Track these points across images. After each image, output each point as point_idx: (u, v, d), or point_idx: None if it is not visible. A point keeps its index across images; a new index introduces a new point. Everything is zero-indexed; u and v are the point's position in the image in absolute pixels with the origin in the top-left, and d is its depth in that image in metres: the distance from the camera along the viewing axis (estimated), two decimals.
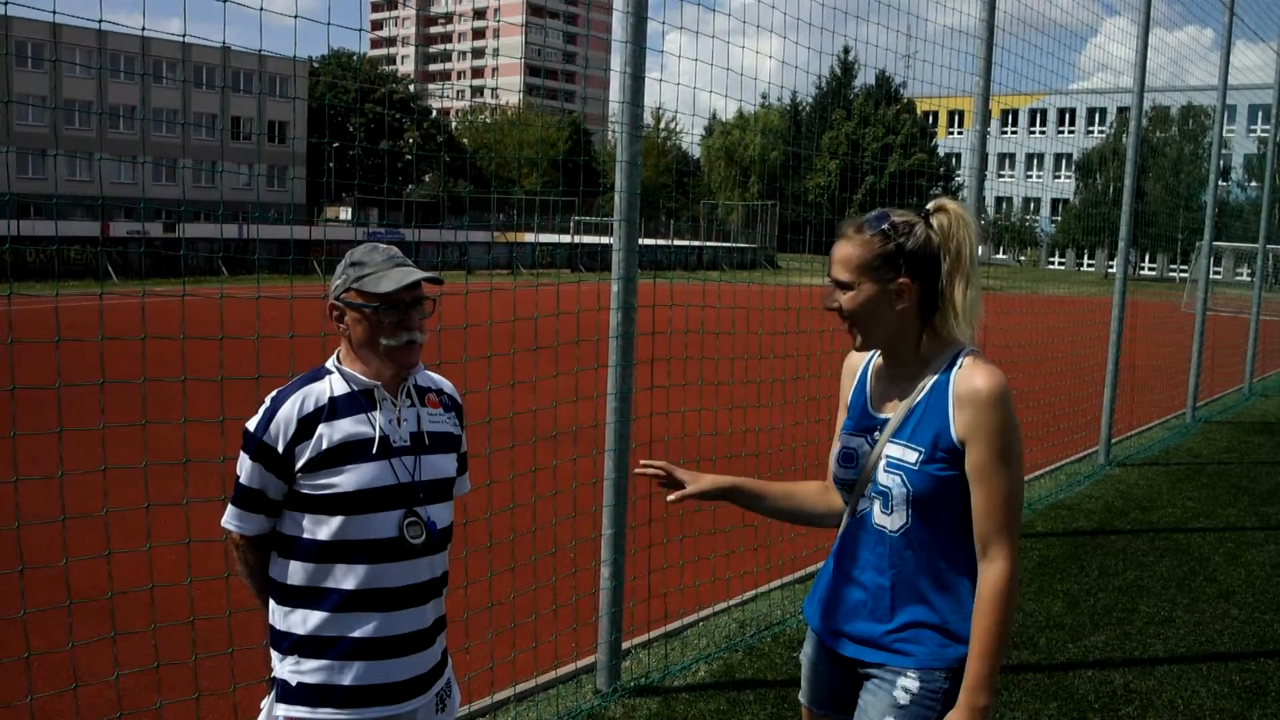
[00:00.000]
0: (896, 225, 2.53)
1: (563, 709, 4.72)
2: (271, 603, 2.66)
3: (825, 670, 2.76)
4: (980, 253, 2.61)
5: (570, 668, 5.09)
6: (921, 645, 2.53)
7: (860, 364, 2.79)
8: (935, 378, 2.54)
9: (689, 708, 4.79)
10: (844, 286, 2.55)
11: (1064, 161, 74.04)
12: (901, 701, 2.52)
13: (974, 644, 2.45)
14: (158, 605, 4.03)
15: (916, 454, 2.50)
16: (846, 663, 2.67)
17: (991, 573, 2.45)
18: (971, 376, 2.47)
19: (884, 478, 2.55)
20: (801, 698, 2.86)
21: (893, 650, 2.56)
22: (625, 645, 5.15)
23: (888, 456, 2.55)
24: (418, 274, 2.61)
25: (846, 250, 2.55)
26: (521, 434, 5.35)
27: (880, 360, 2.72)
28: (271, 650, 2.67)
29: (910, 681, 2.53)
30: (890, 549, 2.56)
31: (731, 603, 6.05)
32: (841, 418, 2.80)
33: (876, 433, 2.61)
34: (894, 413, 2.59)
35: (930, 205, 2.59)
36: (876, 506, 2.58)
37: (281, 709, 2.60)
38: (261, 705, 2.69)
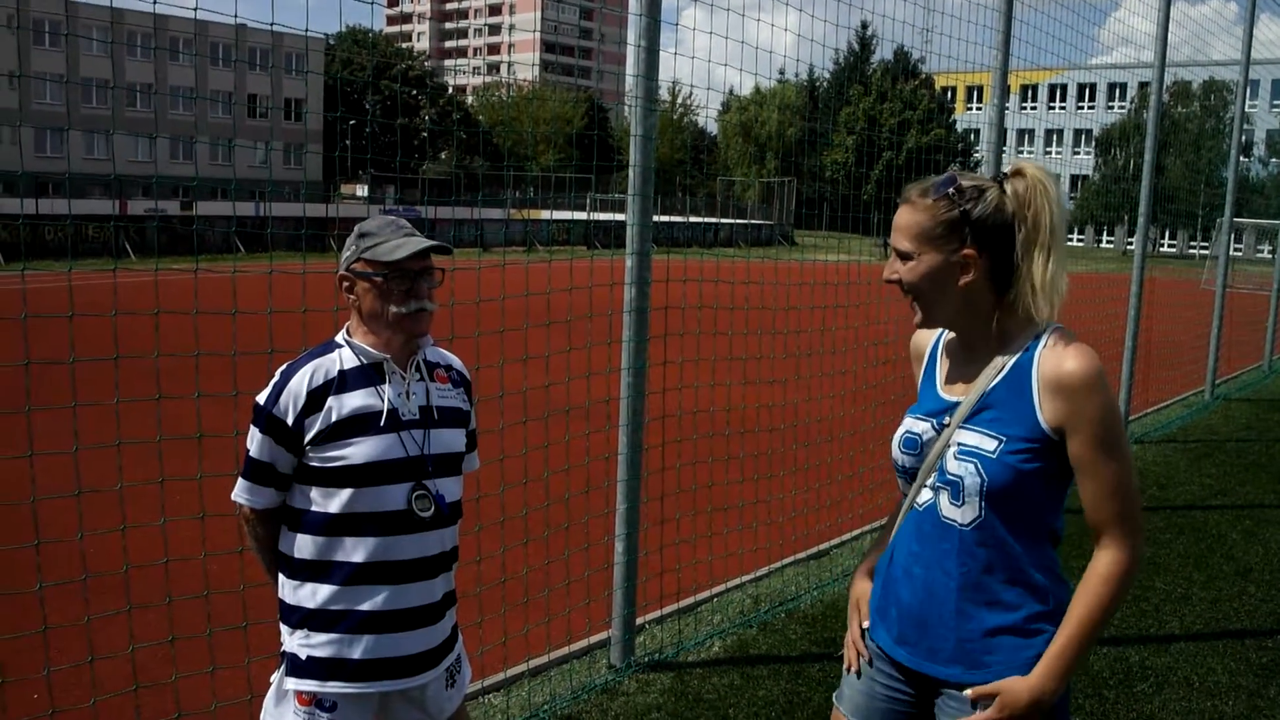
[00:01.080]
0: (964, 190, 2.29)
1: (576, 684, 4.73)
2: (281, 577, 2.67)
3: (884, 685, 2.49)
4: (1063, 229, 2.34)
5: (584, 643, 5.09)
6: (994, 654, 2.29)
7: (929, 342, 2.56)
8: (1015, 358, 2.29)
9: (703, 683, 4.79)
10: (904, 256, 2.33)
11: (1083, 137, 73.49)
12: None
13: (1064, 626, 2.23)
14: (172, 579, 4.05)
15: (996, 443, 2.25)
16: (915, 678, 2.42)
17: (1103, 559, 2.23)
18: (1061, 359, 2.22)
19: (954, 466, 2.30)
20: (844, 707, 2.58)
21: (961, 663, 2.32)
22: (639, 620, 5.15)
23: (959, 444, 2.30)
24: (426, 242, 2.61)
25: (907, 217, 2.32)
26: (535, 409, 5.35)
27: (950, 337, 2.48)
28: (281, 624, 2.67)
29: (985, 708, 2.27)
30: (959, 544, 2.31)
31: (745, 578, 6.04)
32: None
33: (946, 416, 2.36)
34: (966, 396, 2.34)
35: (1007, 168, 2.34)
36: (944, 498, 2.33)
37: (291, 682, 2.61)
38: (271, 679, 2.70)
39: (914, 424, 2.43)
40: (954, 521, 2.31)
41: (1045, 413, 2.23)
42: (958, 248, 2.28)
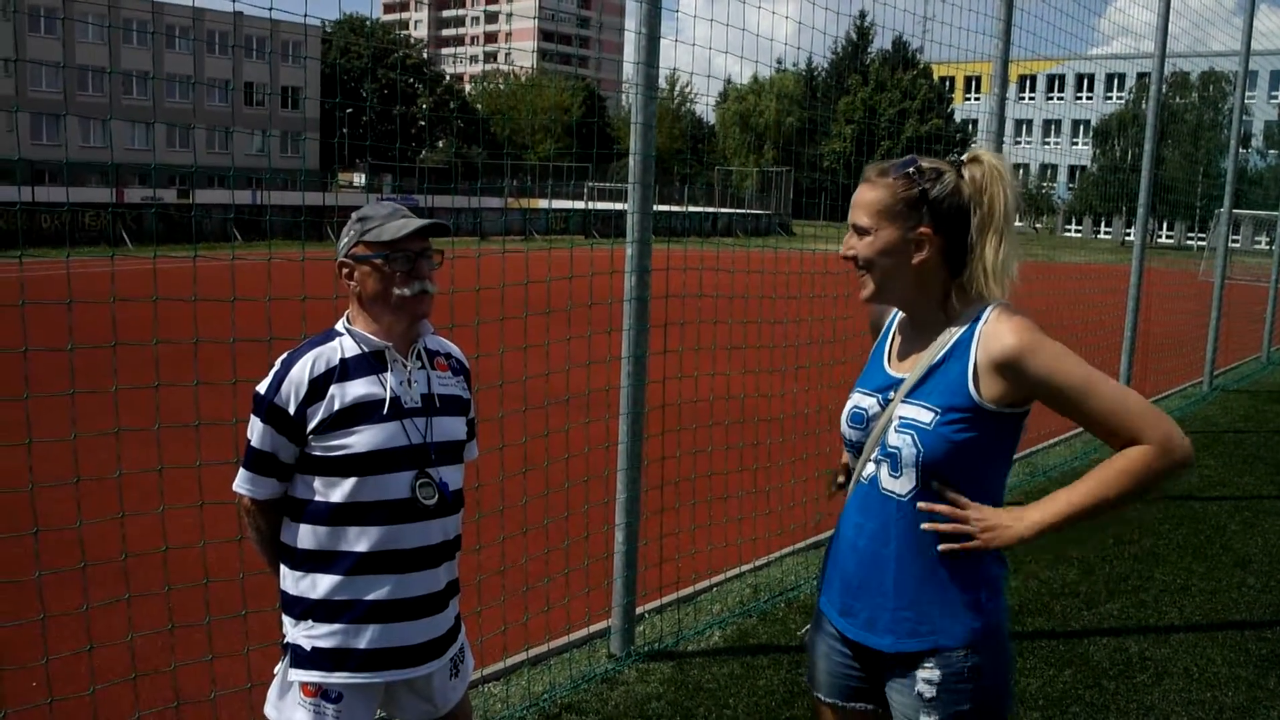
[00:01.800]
0: (924, 170, 2.35)
1: (576, 673, 4.73)
2: (284, 568, 2.65)
3: (837, 660, 2.56)
4: (1017, 216, 2.41)
5: (584, 632, 5.09)
6: (929, 624, 2.34)
7: (887, 318, 2.62)
8: (960, 333, 2.35)
9: (703, 672, 4.79)
10: (861, 231, 2.38)
11: (1082, 128, 73.45)
12: (928, 695, 2.35)
13: (1076, 486, 2.26)
14: (171, 567, 4.04)
15: (932, 414, 2.30)
16: (858, 649, 2.49)
17: (1129, 453, 2.23)
18: (998, 336, 2.28)
19: (894, 438, 2.35)
20: (813, 687, 2.66)
21: (895, 633, 2.38)
22: (639, 610, 5.14)
23: (900, 417, 2.35)
24: (422, 221, 2.59)
25: (867, 194, 2.38)
26: (534, 398, 5.33)
27: (904, 317, 2.53)
28: (284, 616, 2.66)
29: (929, 672, 2.35)
30: (897, 516, 2.36)
31: (745, 568, 6.04)
32: None
33: (891, 391, 2.42)
34: (911, 371, 2.39)
35: (965, 155, 2.41)
36: (885, 470, 2.38)
37: (296, 674, 2.60)
38: (275, 671, 2.68)
39: (861, 399, 2.50)
40: (893, 493, 2.37)
41: (983, 386, 2.28)
42: (915, 225, 2.34)
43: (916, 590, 2.35)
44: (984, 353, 2.29)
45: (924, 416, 2.32)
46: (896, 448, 2.35)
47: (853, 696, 2.55)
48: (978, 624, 2.34)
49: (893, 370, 2.47)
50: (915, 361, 2.41)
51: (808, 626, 2.70)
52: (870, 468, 2.43)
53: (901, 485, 2.35)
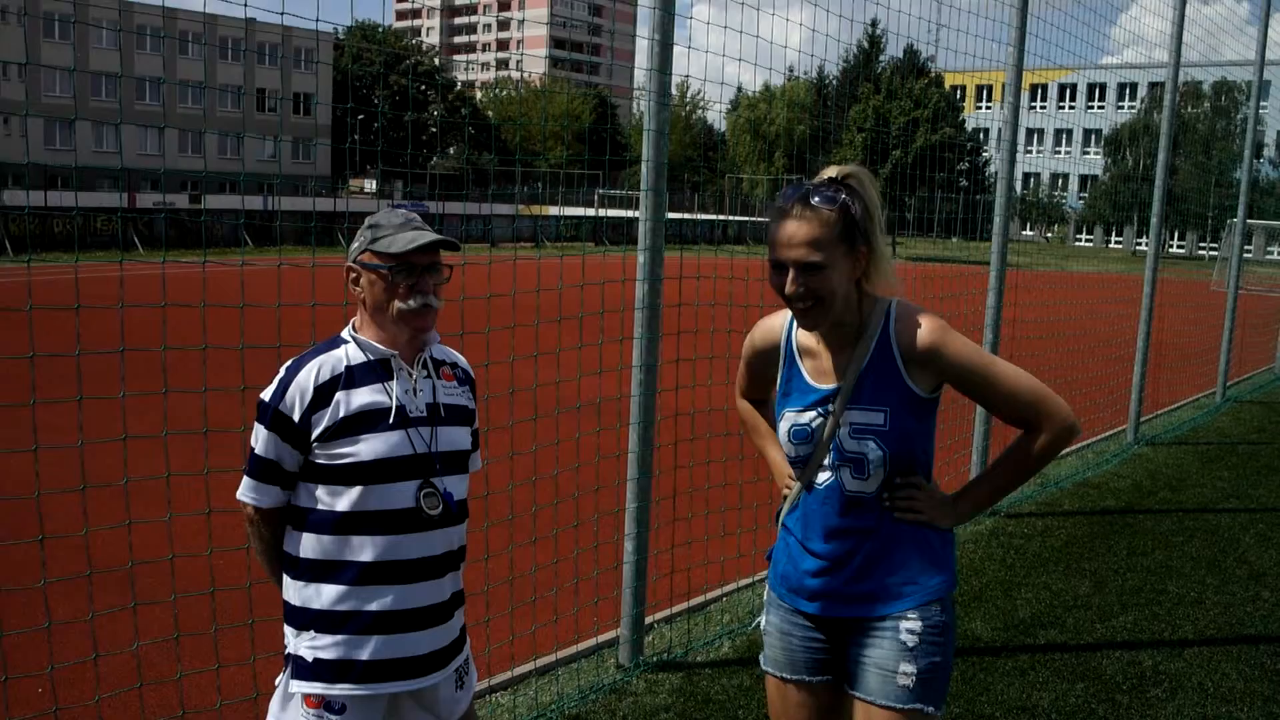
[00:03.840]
0: (845, 198, 2.49)
1: (584, 683, 4.69)
2: (286, 577, 2.62)
3: (800, 637, 2.76)
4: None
5: (592, 642, 5.05)
6: (911, 584, 2.60)
7: (779, 337, 2.76)
8: (876, 335, 2.56)
9: (712, 683, 4.75)
10: (815, 268, 2.46)
11: (1093, 137, 73.31)
12: (910, 644, 2.58)
13: (987, 476, 2.69)
14: (178, 575, 4.02)
15: (883, 414, 2.54)
16: (828, 624, 2.71)
17: (1033, 439, 2.58)
18: (911, 332, 2.53)
19: (852, 444, 2.56)
20: (771, 668, 2.85)
21: (884, 599, 2.61)
22: (648, 620, 5.11)
23: (851, 423, 2.56)
24: (432, 236, 2.56)
25: (808, 230, 2.47)
26: (545, 406, 5.30)
27: (807, 339, 2.68)
28: (286, 626, 2.62)
29: (911, 622, 2.59)
30: (871, 510, 2.61)
31: (756, 578, 6.00)
32: (743, 369, 2.92)
33: (830, 404, 2.60)
34: (844, 380, 2.58)
35: (835, 173, 2.55)
36: (847, 474, 2.60)
37: (298, 685, 2.56)
38: (276, 682, 2.65)
39: (798, 416, 2.66)
40: (863, 492, 2.60)
41: (914, 378, 2.54)
42: (853, 245, 2.51)
43: (897, 562, 2.61)
44: (905, 346, 2.54)
45: (876, 419, 2.55)
46: (859, 453, 2.56)
47: (816, 670, 2.76)
48: (948, 580, 2.65)
49: (821, 384, 2.64)
50: (843, 370, 2.60)
51: (760, 618, 2.90)
52: (825, 474, 2.64)
53: (870, 484, 2.59)
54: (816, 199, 2.47)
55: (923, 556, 2.63)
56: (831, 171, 2.56)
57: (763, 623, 2.89)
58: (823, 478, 2.64)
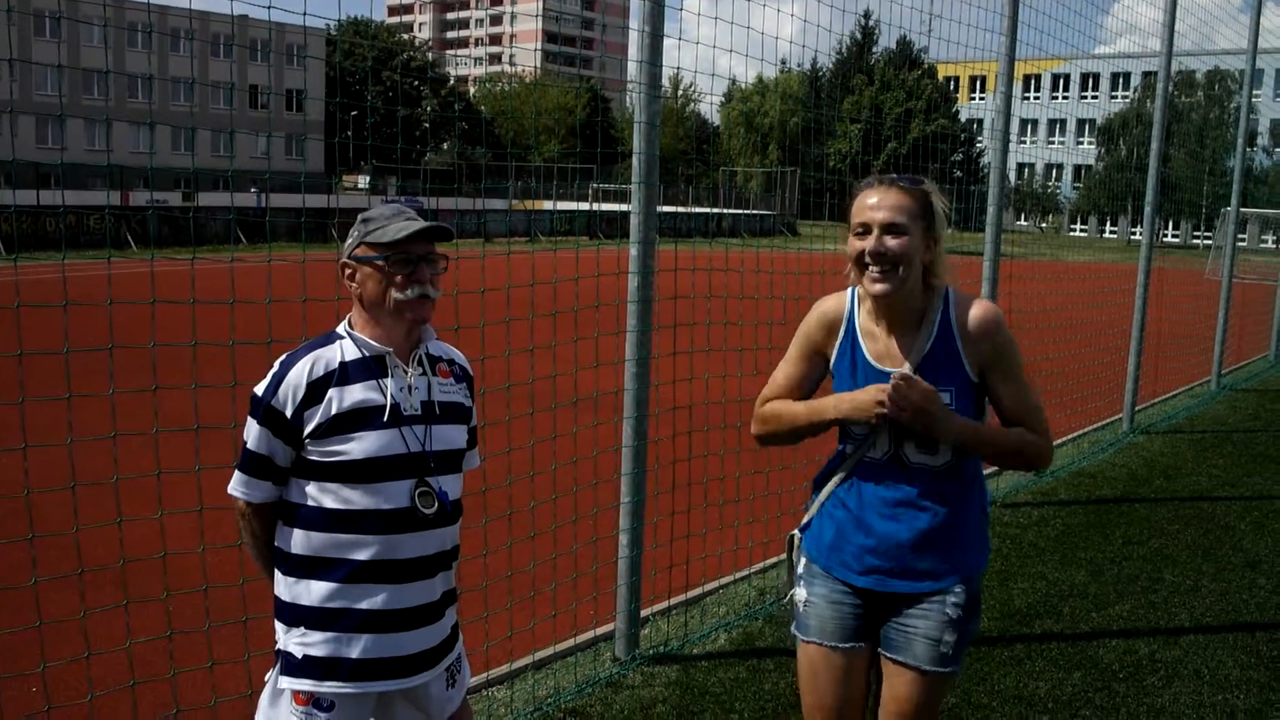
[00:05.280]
0: (927, 186, 2.75)
1: (581, 677, 4.68)
2: (277, 573, 2.60)
3: (850, 606, 2.90)
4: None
5: (589, 635, 5.04)
6: (958, 559, 2.81)
7: (841, 319, 2.90)
8: (938, 319, 2.76)
9: (708, 676, 4.74)
10: (896, 230, 2.67)
11: (1087, 127, 73.32)
12: (954, 616, 2.79)
13: (990, 428, 2.80)
14: (170, 573, 4.00)
15: (949, 393, 2.72)
16: (879, 598, 2.85)
17: (1030, 434, 2.78)
18: (967, 308, 2.75)
19: None
20: (816, 638, 2.94)
21: (936, 576, 2.79)
22: (644, 613, 5.10)
23: None
24: (424, 223, 2.54)
25: (895, 197, 2.70)
26: (541, 400, 5.28)
27: (869, 321, 2.85)
28: (277, 622, 2.61)
29: (956, 596, 2.80)
30: (932, 483, 2.77)
31: (752, 570, 5.98)
32: (791, 367, 3.00)
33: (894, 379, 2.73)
34: (909, 359, 2.76)
35: (915, 176, 2.81)
36: (910, 447, 2.76)
37: (287, 682, 2.55)
38: (265, 679, 2.63)
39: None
40: (928, 464, 2.77)
41: (969, 361, 2.74)
42: (928, 227, 2.74)
43: (951, 536, 2.79)
44: (962, 325, 2.74)
45: (944, 399, 2.70)
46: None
47: (853, 637, 2.91)
48: (987, 553, 2.92)
49: (884, 365, 2.80)
50: (908, 352, 2.77)
51: (796, 591, 3.02)
52: (886, 448, 2.79)
53: (937, 458, 2.76)
54: (908, 179, 2.75)
55: (969, 532, 2.83)
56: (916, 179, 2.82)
57: (800, 595, 2.99)
58: (881, 452, 2.81)
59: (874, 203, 2.70)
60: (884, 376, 2.75)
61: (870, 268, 2.69)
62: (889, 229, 2.67)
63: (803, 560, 3.02)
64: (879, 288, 2.70)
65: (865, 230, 2.70)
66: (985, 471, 2.98)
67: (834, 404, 2.84)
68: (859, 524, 2.84)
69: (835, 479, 2.92)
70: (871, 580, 2.83)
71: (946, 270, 2.80)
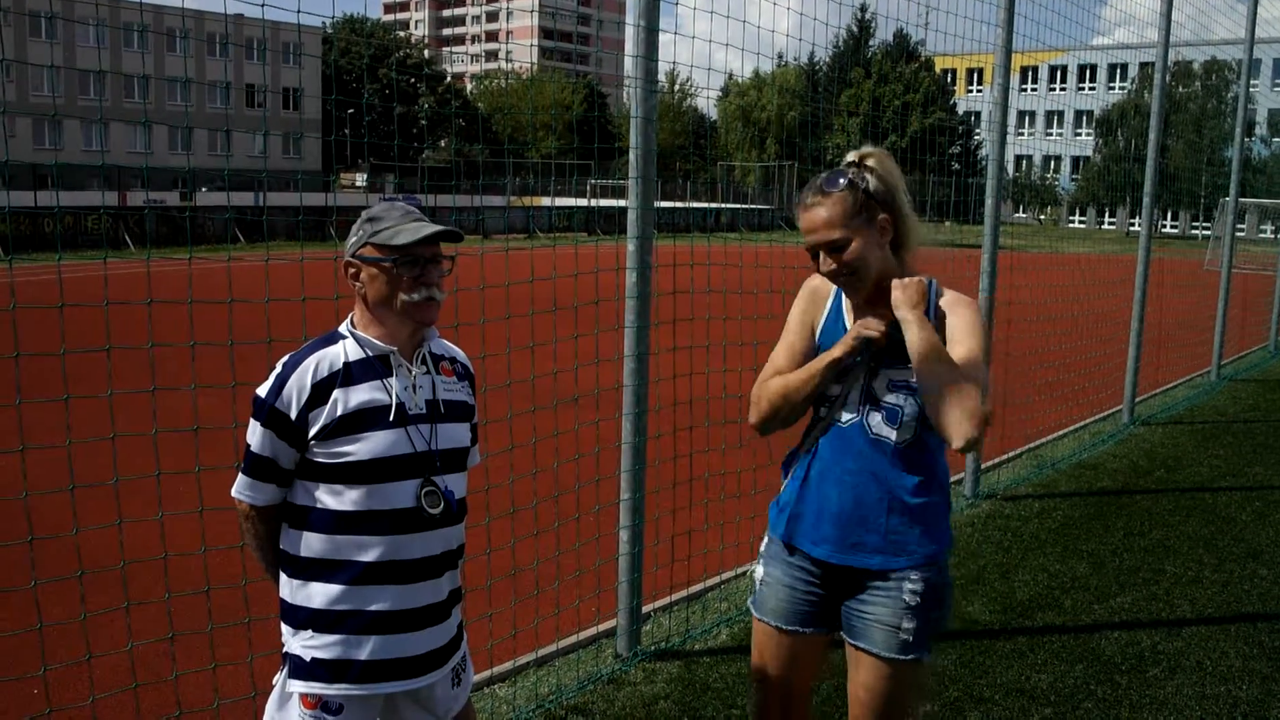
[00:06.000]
0: (852, 177, 2.73)
1: (583, 673, 4.68)
2: (283, 576, 2.59)
3: (803, 590, 2.91)
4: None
5: (591, 632, 5.04)
6: (912, 543, 2.77)
7: (829, 294, 2.94)
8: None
9: (710, 671, 4.74)
10: (837, 244, 2.71)
11: (1084, 119, 73.24)
12: (912, 603, 2.78)
13: (946, 352, 2.68)
14: (171, 575, 3.99)
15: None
16: (831, 574, 2.86)
17: (978, 394, 2.64)
18: (948, 294, 2.77)
19: (891, 397, 2.76)
20: (767, 617, 2.98)
21: (884, 552, 2.77)
22: (646, 609, 5.10)
23: (890, 379, 2.76)
24: (436, 227, 2.52)
25: (823, 213, 2.72)
26: (542, 397, 5.28)
27: (852, 301, 2.88)
28: (283, 625, 2.59)
29: (914, 584, 2.78)
30: (890, 457, 2.76)
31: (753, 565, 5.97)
32: (792, 338, 2.97)
33: (869, 350, 2.77)
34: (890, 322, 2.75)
35: (854, 156, 2.81)
36: (876, 418, 2.77)
37: (295, 684, 2.54)
38: (274, 681, 2.62)
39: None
40: (886, 438, 2.76)
41: (939, 326, 2.72)
42: (873, 216, 2.73)
43: (904, 516, 2.77)
44: (939, 302, 2.74)
45: (912, 375, 2.70)
46: (896, 405, 2.76)
47: (811, 622, 2.93)
48: (947, 542, 2.84)
49: None
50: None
51: (755, 564, 3.06)
52: (849, 415, 2.80)
53: (899, 434, 2.76)
54: (825, 184, 2.73)
55: (925, 515, 2.79)
56: (851, 156, 2.81)
57: (758, 571, 3.04)
58: (847, 417, 2.81)
59: (809, 224, 2.75)
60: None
61: (833, 279, 2.80)
62: (829, 248, 2.72)
63: (766, 537, 3.06)
64: (850, 294, 2.84)
65: (813, 254, 2.78)
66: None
67: (819, 361, 2.84)
68: (818, 492, 2.86)
69: (803, 448, 2.94)
70: (825, 550, 2.84)
71: (919, 238, 2.83)
